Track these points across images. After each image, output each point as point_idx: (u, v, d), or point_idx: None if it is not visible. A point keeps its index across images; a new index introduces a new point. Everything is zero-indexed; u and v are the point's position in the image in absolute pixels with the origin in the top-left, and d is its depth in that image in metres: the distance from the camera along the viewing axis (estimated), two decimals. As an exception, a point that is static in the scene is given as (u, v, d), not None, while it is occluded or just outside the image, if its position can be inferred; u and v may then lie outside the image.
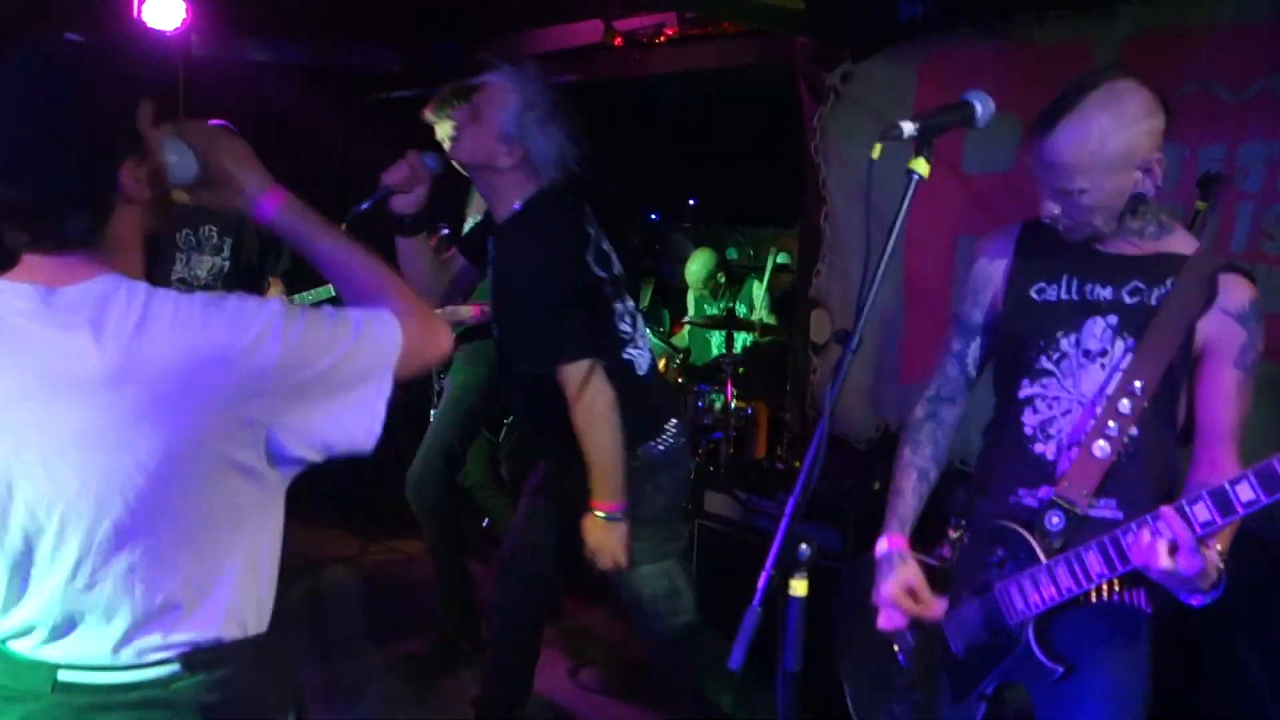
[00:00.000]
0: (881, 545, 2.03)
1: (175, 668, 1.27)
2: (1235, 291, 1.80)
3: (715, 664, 2.74)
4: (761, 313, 5.79)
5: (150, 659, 1.26)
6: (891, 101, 3.72)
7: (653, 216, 8.67)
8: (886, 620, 2.00)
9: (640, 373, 2.68)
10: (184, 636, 1.28)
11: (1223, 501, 1.58)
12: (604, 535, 2.57)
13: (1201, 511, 1.60)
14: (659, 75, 4.92)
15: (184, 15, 4.61)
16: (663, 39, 4.73)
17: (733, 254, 8.01)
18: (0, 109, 1.20)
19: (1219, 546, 1.67)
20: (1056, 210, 1.83)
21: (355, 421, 1.33)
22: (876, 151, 1.52)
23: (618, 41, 4.85)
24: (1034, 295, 1.95)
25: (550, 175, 2.54)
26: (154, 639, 1.26)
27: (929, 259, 3.69)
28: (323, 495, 5.21)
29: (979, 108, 1.63)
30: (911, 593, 1.98)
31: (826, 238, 4.13)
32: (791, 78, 4.21)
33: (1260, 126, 2.86)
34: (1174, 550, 1.62)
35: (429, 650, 3.82)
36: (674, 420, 2.75)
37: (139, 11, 4.50)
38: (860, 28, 3.85)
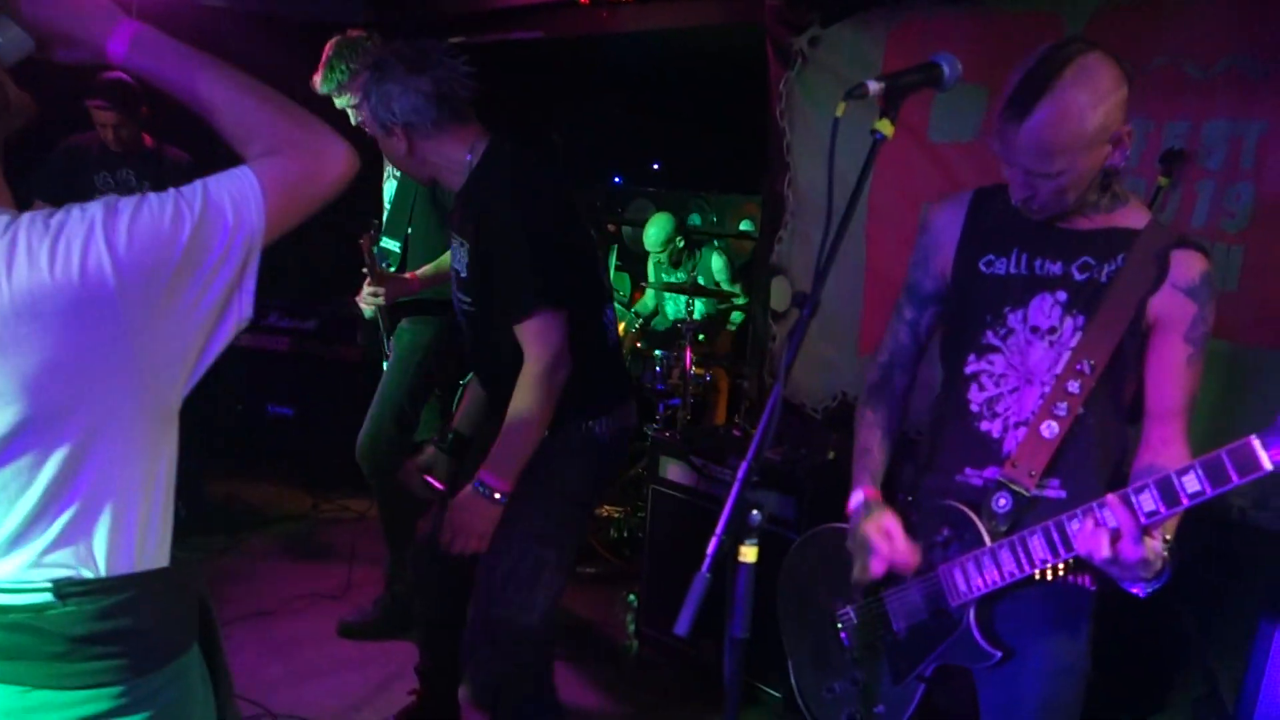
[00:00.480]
0: (856, 497, 1.99)
1: (47, 596, 1.21)
2: (1187, 266, 1.77)
3: (524, 687, 2.49)
4: (722, 281, 5.78)
5: (22, 585, 1.20)
6: (859, 68, 3.68)
7: (616, 179, 8.60)
8: (860, 571, 1.92)
9: (610, 340, 2.54)
10: (58, 559, 1.21)
11: (1168, 492, 1.57)
12: (480, 512, 2.30)
13: (1147, 501, 1.60)
14: (625, 34, 4.83)
15: (134, -45, 4.46)
16: (630, -4, 4.64)
17: (695, 220, 7.98)
18: None
19: (1166, 535, 1.67)
20: (1028, 193, 1.77)
21: (232, 296, 1.25)
22: (840, 109, 1.48)
23: (584, -2, 4.76)
24: (982, 267, 1.92)
25: (431, 116, 2.29)
26: (23, 562, 1.20)
27: (892, 228, 3.67)
28: (275, 453, 5.17)
29: (946, 69, 1.60)
30: (888, 534, 1.90)
31: (789, 204, 4.10)
32: (760, 41, 4.15)
33: (1225, 104, 2.86)
34: (1117, 538, 1.61)
35: (378, 610, 3.78)
36: (625, 409, 2.52)
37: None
38: (830, -10, 3.79)
